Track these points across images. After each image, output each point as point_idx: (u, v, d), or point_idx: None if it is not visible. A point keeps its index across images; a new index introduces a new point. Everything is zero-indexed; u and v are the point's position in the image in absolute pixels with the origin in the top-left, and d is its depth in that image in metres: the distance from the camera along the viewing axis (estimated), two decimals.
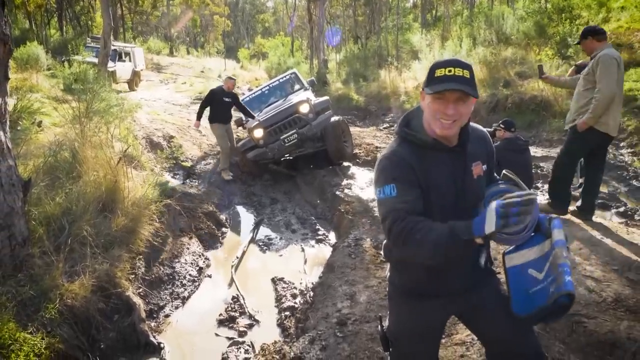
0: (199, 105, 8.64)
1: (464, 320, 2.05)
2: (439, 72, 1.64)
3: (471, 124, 1.83)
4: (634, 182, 6.52)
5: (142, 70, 19.28)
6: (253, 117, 8.42)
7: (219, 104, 8.17)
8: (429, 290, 1.88)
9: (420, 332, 1.95)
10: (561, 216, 4.80)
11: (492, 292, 1.90)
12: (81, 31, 25.15)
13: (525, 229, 1.51)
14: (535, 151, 7.99)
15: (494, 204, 1.45)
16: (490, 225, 1.42)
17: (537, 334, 1.93)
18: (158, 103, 13.33)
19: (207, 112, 8.24)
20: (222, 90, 8.23)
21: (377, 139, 10.68)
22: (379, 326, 2.11)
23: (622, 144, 7.90)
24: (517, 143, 5.20)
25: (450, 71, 1.62)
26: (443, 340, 3.02)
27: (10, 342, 2.94)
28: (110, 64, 13.65)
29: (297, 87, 9.72)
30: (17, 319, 3.15)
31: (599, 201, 5.77)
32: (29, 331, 3.12)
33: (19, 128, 5.93)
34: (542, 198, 5.92)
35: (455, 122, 1.66)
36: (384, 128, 12.66)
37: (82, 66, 6.38)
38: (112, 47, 14.31)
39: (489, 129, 5.60)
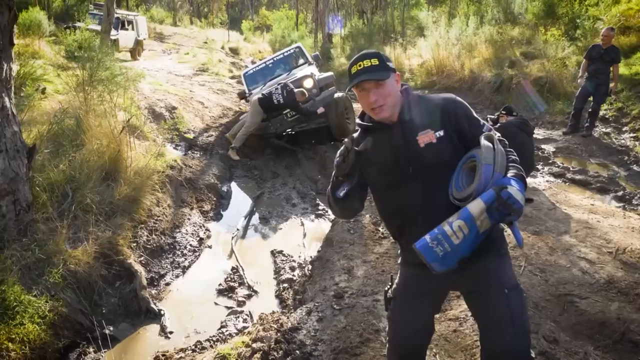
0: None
1: (464, 298, 2.03)
2: (353, 69, 1.83)
3: (426, 95, 1.94)
4: (634, 167, 6.53)
5: (144, 39, 19.05)
6: None
7: None
8: (409, 258, 1.91)
9: (410, 299, 1.98)
10: None
11: (486, 281, 1.83)
12: None
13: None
14: (537, 133, 7.97)
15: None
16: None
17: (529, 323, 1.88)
18: (161, 73, 13.21)
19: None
20: None
21: None
22: (388, 285, 2.13)
23: (624, 129, 7.87)
24: (529, 125, 5.20)
25: (360, 65, 1.81)
26: (437, 316, 3.09)
27: (15, 304, 3.03)
28: (113, 32, 13.47)
29: (301, 61, 9.65)
30: (22, 282, 3.24)
31: (597, 185, 5.84)
32: (34, 294, 3.20)
33: (22, 94, 5.92)
34: (542, 180, 5.96)
35: (383, 105, 1.81)
36: None
37: (86, 33, 6.32)
38: (115, 15, 14.12)
39: (492, 117, 5.59)
